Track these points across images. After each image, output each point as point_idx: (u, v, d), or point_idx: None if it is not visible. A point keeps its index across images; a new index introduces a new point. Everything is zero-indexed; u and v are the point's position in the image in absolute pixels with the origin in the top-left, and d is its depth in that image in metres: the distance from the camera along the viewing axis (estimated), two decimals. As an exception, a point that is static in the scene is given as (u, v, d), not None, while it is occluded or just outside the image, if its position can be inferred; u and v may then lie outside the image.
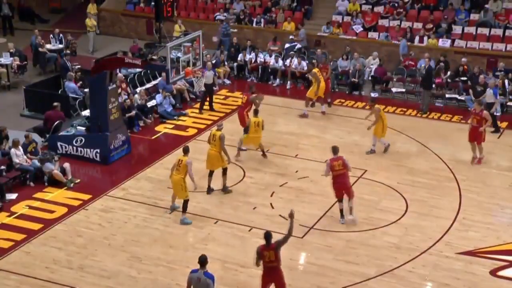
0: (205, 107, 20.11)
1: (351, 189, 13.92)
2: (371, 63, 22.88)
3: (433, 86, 20.99)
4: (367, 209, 14.57)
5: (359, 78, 22.00)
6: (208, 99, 20.15)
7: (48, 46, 23.75)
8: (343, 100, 20.98)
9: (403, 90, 21.82)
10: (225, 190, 15.05)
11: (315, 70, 19.78)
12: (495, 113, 18.88)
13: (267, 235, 10.53)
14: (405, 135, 18.71)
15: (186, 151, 13.88)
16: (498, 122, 19.14)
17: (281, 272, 10.64)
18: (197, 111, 19.97)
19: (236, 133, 17.14)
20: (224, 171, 15.00)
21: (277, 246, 10.47)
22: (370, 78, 22.42)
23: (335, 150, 13.98)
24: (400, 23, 24.94)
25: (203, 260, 10.01)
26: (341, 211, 13.90)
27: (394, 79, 22.30)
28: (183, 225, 13.77)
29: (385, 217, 14.23)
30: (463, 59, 22.19)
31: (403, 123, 19.53)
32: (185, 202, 13.78)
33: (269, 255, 10.44)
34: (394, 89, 21.91)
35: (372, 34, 24.86)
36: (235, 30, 25.32)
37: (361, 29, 25.15)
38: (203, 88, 20.03)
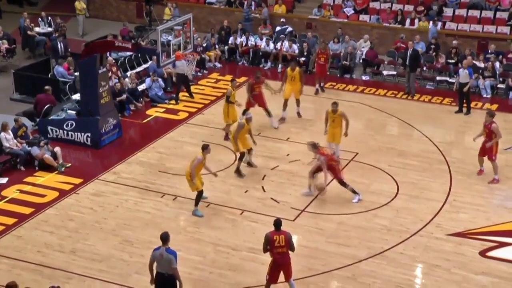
0: (185, 96, 19.71)
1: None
2: (362, 46, 22.85)
3: (422, 68, 21.02)
4: (358, 191, 14.61)
5: (350, 61, 21.98)
6: (184, 88, 19.60)
7: (37, 29, 23.55)
8: (334, 83, 20.97)
9: (394, 73, 21.83)
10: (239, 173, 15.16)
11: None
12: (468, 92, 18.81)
13: (278, 222, 10.59)
14: (396, 118, 18.76)
15: (203, 148, 13.55)
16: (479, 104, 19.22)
17: (290, 259, 10.67)
18: (186, 94, 19.76)
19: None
20: (241, 155, 15.08)
21: (289, 236, 10.54)
22: (361, 61, 22.40)
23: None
24: (391, 5, 24.90)
25: (165, 237, 10.16)
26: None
27: (385, 62, 22.29)
28: (175, 209, 13.78)
29: (376, 199, 14.29)
30: (454, 42, 22.20)
31: (394, 106, 19.57)
32: (197, 195, 13.53)
33: (279, 239, 10.45)
34: (385, 72, 21.92)
35: (363, 17, 24.81)
36: (257, 15, 24.96)
37: (352, 11, 25.09)
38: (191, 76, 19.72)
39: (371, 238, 12.90)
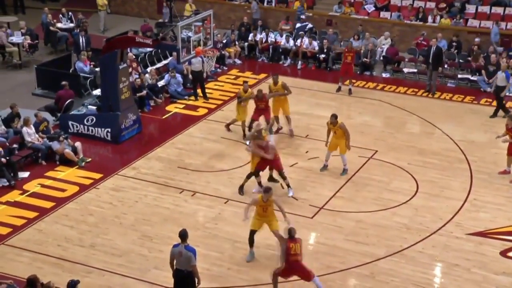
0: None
1: None
2: (382, 43, 22.71)
3: (444, 66, 20.84)
4: (377, 189, 14.56)
5: (370, 59, 21.85)
6: (199, 86, 19.46)
7: (59, 25, 23.74)
8: (354, 80, 20.85)
9: (415, 70, 21.66)
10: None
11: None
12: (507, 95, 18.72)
13: (291, 231, 10.61)
14: (416, 116, 18.62)
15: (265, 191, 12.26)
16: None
17: (303, 264, 10.76)
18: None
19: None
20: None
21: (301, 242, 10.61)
22: (381, 58, 22.27)
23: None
24: (413, 2, 24.70)
25: (183, 234, 10.19)
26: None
27: (406, 60, 22.13)
28: (194, 205, 13.82)
29: (395, 197, 14.21)
30: (477, 39, 21.97)
31: (415, 104, 19.42)
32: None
33: (295, 247, 10.54)
34: (405, 70, 21.76)
35: (384, 14, 24.65)
36: (310, 14, 24.72)
37: (373, 8, 24.94)
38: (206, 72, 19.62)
39: (390, 237, 12.84)
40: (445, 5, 24.15)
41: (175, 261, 10.28)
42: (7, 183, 14.41)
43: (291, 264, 10.64)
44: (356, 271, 11.82)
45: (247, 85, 17.21)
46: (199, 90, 19.54)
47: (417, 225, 13.20)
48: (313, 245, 12.76)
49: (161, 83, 19.67)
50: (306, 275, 10.82)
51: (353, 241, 12.70)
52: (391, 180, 14.95)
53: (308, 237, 12.97)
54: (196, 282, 10.24)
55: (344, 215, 13.59)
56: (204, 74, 20.06)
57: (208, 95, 19.62)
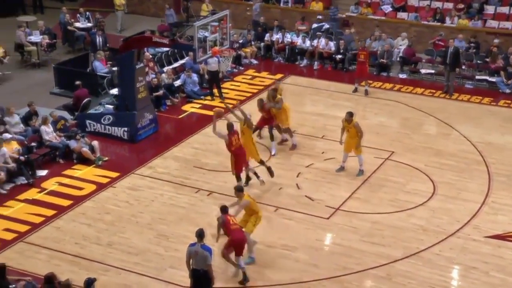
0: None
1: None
2: (399, 43, 22.61)
3: (461, 67, 20.69)
4: (393, 191, 14.49)
5: (387, 59, 21.76)
6: (215, 86, 19.46)
7: (77, 24, 23.90)
8: (370, 81, 20.76)
9: (432, 71, 21.53)
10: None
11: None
12: None
13: (225, 207, 11.27)
14: (433, 117, 18.51)
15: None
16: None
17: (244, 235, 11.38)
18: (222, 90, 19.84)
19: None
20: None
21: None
22: (398, 59, 22.17)
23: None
24: (430, 2, 24.55)
25: (200, 233, 10.22)
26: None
27: (423, 60, 22.01)
28: (210, 205, 13.85)
29: (411, 199, 14.14)
30: (495, 40, 21.79)
31: (432, 105, 19.31)
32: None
33: (232, 219, 11.20)
34: (423, 70, 21.64)
35: (401, 14, 24.53)
36: (343, 16, 24.44)
37: (390, 9, 24.83)
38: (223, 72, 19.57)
39: (406, 238, 12.77)
40: (463, 5, 23.99)
41: (191, 260, 10.29)
42: (26, 181, 14.53)
43: (234, 232, 11.13)
44: (372, 273, 11.77)
45: (279, 83, 17.12)
46: (215, 90, 19.57)
47: (434, 227, 13.11)
48: (329, 245, 12.73)
49: (177, 83, 19.74)
50: (241, 247, 11.27)
51: (369, 242, 12.65)
52: (407, 182, 14.88)
53: (324, 238, 12.96)
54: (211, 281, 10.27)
55: (360, 216, 13.55)
56: (220, 74, 20.10)
57: (224, 95, 19.64)
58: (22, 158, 14.60)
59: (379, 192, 14.42)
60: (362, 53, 19.90)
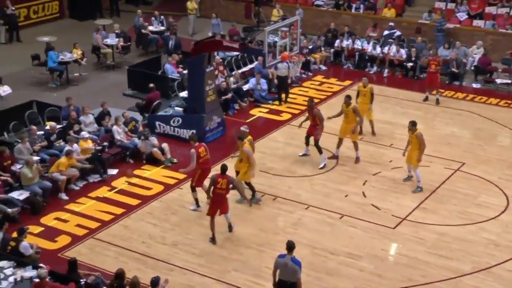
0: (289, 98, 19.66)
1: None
2: (474, 52, 21.98)
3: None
4: (463, 203, 14.10)
5: (459, 68, 21.20)
6: (283, 91, 19.35)
7: (150, 27, 24.47)
8: (442, 90, 20.25)
9: (509, 81, 20.82)
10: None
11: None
12: None
13: (224, 167, 12.43)
14: (508, 128, 17.90)
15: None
16: None
17: (227, 200, 12.69)
18: (289, 95, 19.81)
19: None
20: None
21: (231, 180, 12.49)
22: (472, 68, 21.55)
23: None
24: (510, 10, 23.73)
25: (291, 246, 10.08)
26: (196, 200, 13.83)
27: (499, 70, 21.32)
28: (274, 210, 13.88)
29: (483, 212, 13.70)
30: None
31: (507, 116, 18.67)
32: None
33: (222, 182, 12.32)
34: (498, 80, 20.96)
35: (477, 22, 23.85)
36: (451, 26, 23.79)
37: (466, 16, 24.19)
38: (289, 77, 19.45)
39: (476, 252, 12.38)
40: (545, 13, 23.12)
41: (278, 271, 10.22)
42: (99, 178, 14.97)
43: (216, 196, 12.47)
44: (438, 286, 11.47)
45: (367, 81, 17.04)
46: (283, 95, 19.60)
47: (507, 242, 12.66)
48: (394, 256, 12.50)
49: (245, 87, 19.87)
50: (225, 209, 12.65)
51: (436, 254, 12.34)
52: (478, 194, 14.43)
53: (389, 248, 12.73)
54: None
55: (427, 227, 13.24)
56: (289, 80, 20.11)
57: (292, 100, 19.63)
58: (98, 148, 15.16)
59: (448, 204, 14.06)
60: (433, 63, 19.44)
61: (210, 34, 22.35)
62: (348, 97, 15.65)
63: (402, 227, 13.24)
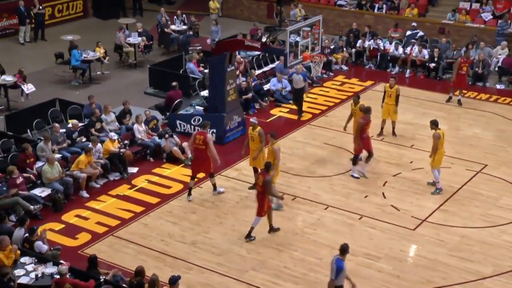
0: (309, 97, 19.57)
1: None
2: (498, 53, 21.71)
3: None
4: (485, 205, 13.94)
5: (483, 69, 20.95)
6: (297, 105, 18.77)
7: (172, 27, 24.57)
8: (465, 91, 20.04)
9: (534, 83, 20.55)
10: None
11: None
12: None
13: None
14: (531, 131, 17.68)
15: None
16: None
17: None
18: (310, 95, 19.76)
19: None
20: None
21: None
22: (496, 69, 21.29)
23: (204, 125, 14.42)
24: (536, 11, 23.42)
25: (344, 248, 10.08)
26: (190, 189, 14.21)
27: (524, 71, 21.04)
28: (294, 209, 13.86)
29: (505, 215, 13.54)
30: None
31: (531, 118, 18.44)
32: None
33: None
34: (523, 82, 20.69)
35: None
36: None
37: (491, 17, 23.89)
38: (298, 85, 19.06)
39: (497, 255, 12.24)
40: None
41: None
42: (120, 177, 15.09)
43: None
44: (458, 289, 11.38)
45: (394, 82, 16.90)
46: (305, 94, 19.50)
47: (528, 246, 12.51)
48: (414, 257, 12.41)
49: (266, 87, 19.86)
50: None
51: (456, 256, 12.23)
52: (500, 196, 14.26)
53: (409, 249, 12.64)
54: None
55: (448, 229, 13.12)
56: (314, 78, 19.91)
57: (312, 100, 19.58)
58: (123, 150, 15.22)
59: (469, 206, 13.92)
60: (464, 65, 19.15)
61: (216, 40, 22.41)
62: (357, 97, 15.90)
63: (422, 229, 13.14)
